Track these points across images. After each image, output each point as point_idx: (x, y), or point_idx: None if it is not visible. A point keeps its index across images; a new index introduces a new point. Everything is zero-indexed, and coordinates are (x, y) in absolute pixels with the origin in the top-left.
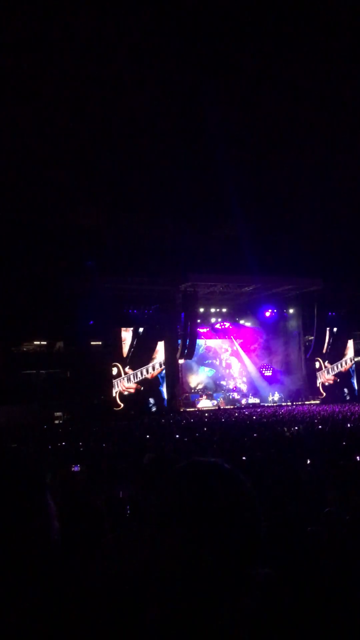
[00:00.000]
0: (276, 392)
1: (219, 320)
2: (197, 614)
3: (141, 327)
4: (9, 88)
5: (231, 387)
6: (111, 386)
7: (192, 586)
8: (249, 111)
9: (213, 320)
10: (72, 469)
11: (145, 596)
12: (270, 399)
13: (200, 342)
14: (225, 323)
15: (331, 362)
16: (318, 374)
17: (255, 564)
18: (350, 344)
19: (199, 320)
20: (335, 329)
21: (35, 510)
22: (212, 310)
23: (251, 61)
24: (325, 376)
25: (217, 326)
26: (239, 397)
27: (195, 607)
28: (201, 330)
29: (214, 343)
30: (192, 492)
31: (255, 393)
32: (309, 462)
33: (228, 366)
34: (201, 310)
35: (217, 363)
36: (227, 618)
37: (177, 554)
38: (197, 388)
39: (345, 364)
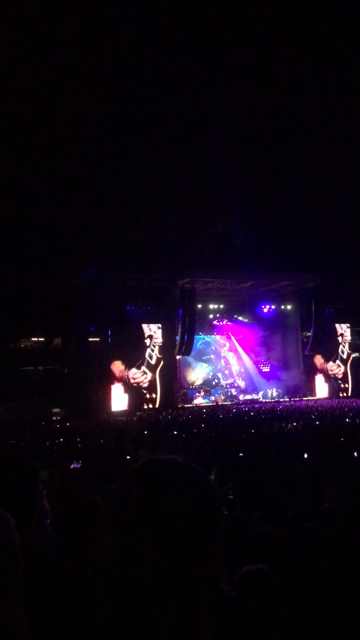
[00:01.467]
0: (274, 388)
1: (217, 316)
2: (143, 614)
3: (139, 323)
4: (6, 86)
5: (229, 383)
6: (109, 383)
7: (136, 587)
8: (247, 107)
9: (211, 316)
10: (72, 465)
11: (143, 595)
12: (268, 394)
13: (198, 338)
14: (223, 319)
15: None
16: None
17: (215, 562)
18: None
19: (196, 317)
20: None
21: (29, 509)
22: (210, 306)
23: (249, 57)
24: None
25: (215, 322)
26: (236, 393)
27: (142, 608)
28: (199, 326)
29: (212, 339)
30: (142, 492)
31: (253, 389)
32: (306, 456)
33: (226, 362)
34: (199, 306)
35: (215, 359)
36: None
37: (126, 555)
38: (195, 384)
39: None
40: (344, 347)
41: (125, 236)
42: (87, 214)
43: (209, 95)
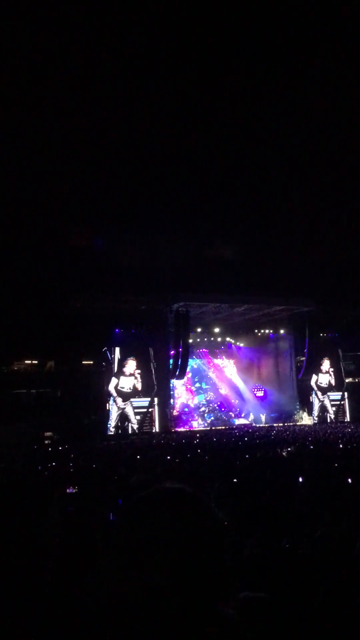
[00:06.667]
0: (267, 412)
1: (211, 340)
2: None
3: (132, 346)
4: (4, 108)
5: (223, 407)
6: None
7: (151, 616)
8: (243, 133)
9: (205, 340)
10: (67, 490)
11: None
12: (262, 419)
13: (192, 362)
14: (217, 343)
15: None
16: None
17: (222, 592)
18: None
19: (190, 340)
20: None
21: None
22: (204, 330)
23: (248, 82)
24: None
25: (210, 346)
26: (230, 417)
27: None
28: (193, 350)
29: (206, 363)
30: (154, 520)
31: (247, 413)
32: (301, 480)
33: (220, 386)
34: (193, 330)
35: (209, 383)
36: None
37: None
38: (189, 408)
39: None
40: (316, 394)
41: (121, 260)
42: (82, 237)
43: (206, 122)
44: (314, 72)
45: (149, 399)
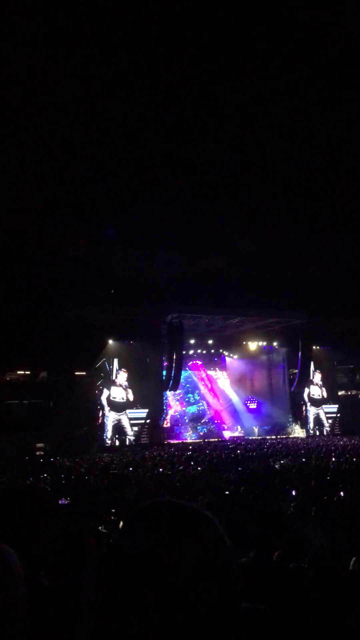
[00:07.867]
0: (260, 425)
1: (204, 352)
2: None
3: (127, 358)
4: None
5: (216, 419)
6: (96, 417)
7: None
8: (239, 145)
9: (198, 352)
10: (60, 502)
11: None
12: (255, 431)
13: (185, 374)
14: (210, 355)
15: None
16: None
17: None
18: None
19: (184, 352)
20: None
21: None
22: (198, 341)
23: (243, 95)
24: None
25: (203, 358)
26: (223, 429)
27: None
28: (186, 362)
29: (199, 375)
30: (167, 536)
31: (240, 426)
32: (294, 493)
33: (213, 398)
34: (186, 341)
35: (202, 395)
36: None
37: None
38: (182, 420)
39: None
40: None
41: (115, 271)
42: (76, 248)
43: (203, 135)
44: (315, 87)
45: (146, 410)
